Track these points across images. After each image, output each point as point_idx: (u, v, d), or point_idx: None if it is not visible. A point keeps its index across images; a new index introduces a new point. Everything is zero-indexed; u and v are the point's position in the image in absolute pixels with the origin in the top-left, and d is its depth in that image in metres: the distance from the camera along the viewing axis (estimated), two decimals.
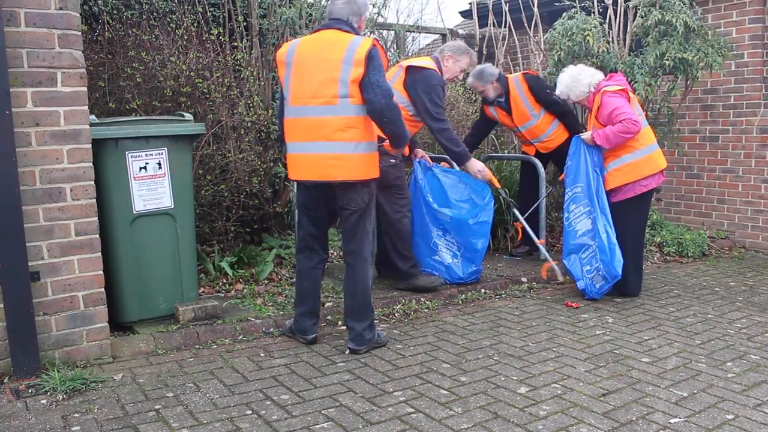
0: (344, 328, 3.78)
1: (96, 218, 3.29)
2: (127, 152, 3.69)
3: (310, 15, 5.30)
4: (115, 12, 4.98)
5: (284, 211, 5.35)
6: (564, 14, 5.63)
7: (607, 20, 5.82)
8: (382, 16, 6.15)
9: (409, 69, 4.47)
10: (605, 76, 4.68)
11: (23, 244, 3.02)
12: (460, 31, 8.33)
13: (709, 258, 6.11)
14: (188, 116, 4.01)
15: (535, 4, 6.39)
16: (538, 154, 5.50)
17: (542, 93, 5.25)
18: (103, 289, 3.35)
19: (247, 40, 5.29)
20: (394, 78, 4.49)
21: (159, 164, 3.80)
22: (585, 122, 5.21)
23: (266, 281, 4.70)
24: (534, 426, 2.73)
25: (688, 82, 5.70)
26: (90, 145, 3.23)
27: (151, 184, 3.79)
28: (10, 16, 2.96)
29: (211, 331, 3.75)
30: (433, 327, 4.04)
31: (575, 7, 5.71)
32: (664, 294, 4.85)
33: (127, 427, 2.69)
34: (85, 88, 3.20)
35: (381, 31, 6.84)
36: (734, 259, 6.09)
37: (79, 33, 3.16)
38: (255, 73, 5.13)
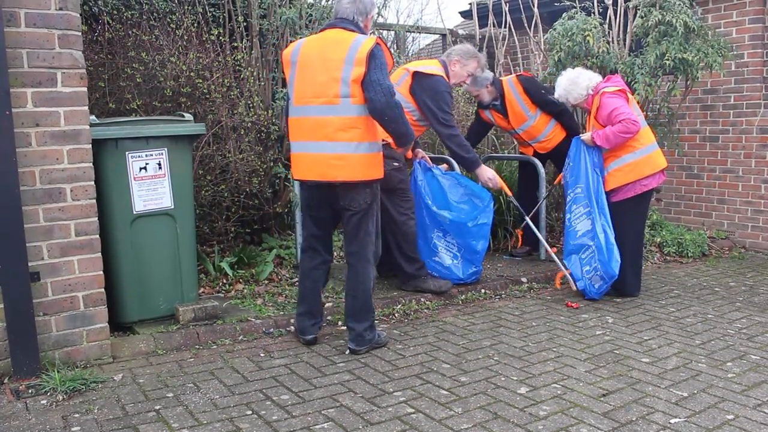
0: (344, 328, 3.79)
1: (96, 218, 3.29)
2: (127, 152, 3.69)
3: (310, 15, 5.30)
4: (115, 12, 4.98)
5: (284, 211, 5.34)
6: (564, 14, 5.63)
7: (607, 20, 5.82)
8: (382, 17, 6.15)
9: (416, 75, 4.43)
10: (604, 78, 4.69)
11: (23, 244, 3.03)
12: (460, 32, 8.34)
13: (709, 258, 6.11)
14: (188, 116, 4.01)
15: (535, 5, 6.39)
16: (536, 155, 5.51)
17: (537, 94, 5.24)
18: (103, 290, 3.35)
19: (247, 40, 5.29)
20: (400, 81, 4.46)
21: (159, 164, 3.80)
22: (583, 123, 5.21)
23: (266, 281, 4.70)
24: (534, 426, 2.73)
25: (688, 82, 5.70)
26: (90, 146, 3.24)
27: (151, 185, 3.79)
28: (10, 16, 2.96)
29: (211, 331, 3.75)
30: (433, 327, 4.04)
31: (575, 8, 5.71)
32: (664, 294, 4.85)
33: (127, 428, 2.69)
34: (85, 89, 3.20)
35: (381, 31, 6.84)
36: (734, 260, 6.09)
37: (79, 33, 3.16)
38: (255, 73, 5.13)
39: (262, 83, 5.22)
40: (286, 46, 5.10)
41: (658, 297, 4.76)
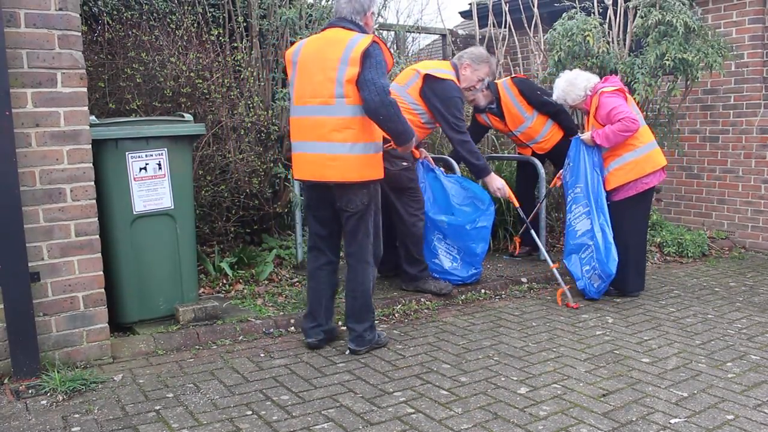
0: (344, 328, 3.78)
1: (96, 219, 3.29)
2: (127, 153, 3.69)
3: (310, 15, 5.30)
4: (115, 13, 4.98)
5: (284, 211, 5.35)
6: (564, 15, 5.63)
7: (607, 21, 5.82)
8: (382, 17, 6.15)
9: (427, 78, 4.37)
10: (602, 79, 4.70)
11: (23, 244, 3.02)
12: (460, 32, 8.35)
13: (709, 258, 6.10)
14: (188, 117, 4.01)
15: (535, 5, 6.39)
16: (534, 155, 5.50)
17: (533, 95, 5.23)
18: (103, 290, 3.35)
19: (247, 40, 5.30)
20: (410, 83, 4.43)
21: (159, 165, 3.80)
22: (582, 124, 5.21)
23: (266, 282, 4.70)
24: (534, 426, 2.73)
25: (688, 82, 5.70)
26: (90, 146, 3.24)
27: (151, 185, 3.79)
28: (10, 16, 2.96)
29: (211, 331, 3.75)
30: (433, 327, 4.04)
31: (575, 8, 5.71)
32: (664, 294, 4.85)
33: (127, 428, 2.69)
34: (85, 89, 3.20)
35: (381, 31, 6.84)
36: (734, 260, 6.09)
37: (79, 34, 3.16)
38: (255, 73, 5.13)
39: (262, 83, 5.22)
40: (286, 47, 5.13)
41: (658, 297, 4.76)
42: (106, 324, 3.38)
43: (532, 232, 4.87)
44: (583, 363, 3.45)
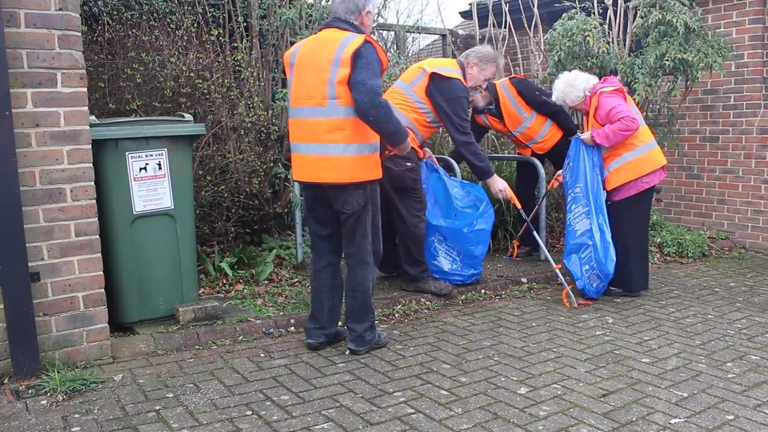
0: (345, 328, 3.78)
1: (96, 219, 3.29)
2: (127, 153, 3.69)
3: (310, 15, 5.30)
4: (115, 13, 4.98)
5: (284, 211, 5.35)
6: (564, 15, 5.63)
7: (607, 21, 5.82)
8: (382, 17, 6.15)
9: (434, 76, 4.34)
10: (601, 79, 4.70)
11: (23, 244, 3.03)
12: (460, 32, 8.34)
13: (709, 258, 6.10)
14: (188, 117, 4.02)
15: (535, 5, 6.39)
16: (534, 156, 5.50)
17: (531, 95, 5.22)
18: (103, 290, 3.35)
19: (247, 40, 5.29)
20: (417, 81, 4.41)
21: (159, 165, 3.80)
22: (581, 124, 5.20)
23: (266, 282, 4.70)
24: (534, 426, 2.73)
25: (688, 82, 5.70)
26: (90, 146, 3.24)
27: (151, 185, 3.79)
28: (10, 16, 2.97)
29: (211, 331, 3.75)
30: (433, 327, 4.04)
31: (575, 8, 5.71)
32: (664, 294, 4.85)
33: (127, 428, 2.69)
34: (85, 89, 3.20)
35: (381, 31, 6.85)
36: (734, 260, 6.09)
37: (79, 34, 3.16)
38: (255, 73, 5.13)
39: (262, 83, 5.22)
40: (286, 47, 5.12)
41: (658, 297, 4.76)
42: (106, 324, 3.38)
43: (535, 233, 4.86)
44: (583, 363, 3.45)
